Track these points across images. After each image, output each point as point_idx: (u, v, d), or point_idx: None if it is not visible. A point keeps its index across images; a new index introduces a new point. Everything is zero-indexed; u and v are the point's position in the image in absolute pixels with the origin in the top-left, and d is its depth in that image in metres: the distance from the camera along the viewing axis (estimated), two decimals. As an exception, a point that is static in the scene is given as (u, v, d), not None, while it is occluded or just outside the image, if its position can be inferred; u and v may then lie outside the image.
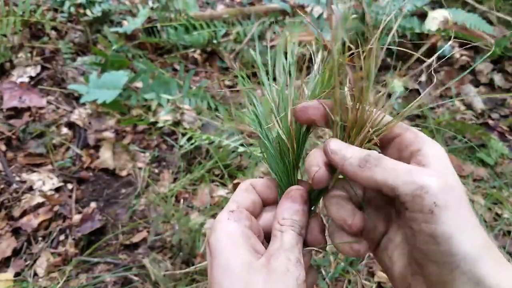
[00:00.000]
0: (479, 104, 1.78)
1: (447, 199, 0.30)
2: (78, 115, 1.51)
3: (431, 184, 0.30)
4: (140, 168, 1.38)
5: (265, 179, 0.40)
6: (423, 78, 1.89)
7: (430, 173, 0.31)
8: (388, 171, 0.31)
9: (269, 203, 0.40)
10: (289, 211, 0.36)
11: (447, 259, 0.30)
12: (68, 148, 1.41)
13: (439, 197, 0.30)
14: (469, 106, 1.79)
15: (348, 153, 0.34)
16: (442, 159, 0.33)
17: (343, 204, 0.36)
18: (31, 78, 1.60)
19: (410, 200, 0.30)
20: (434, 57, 0.36)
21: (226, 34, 1.92)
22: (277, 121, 0.39)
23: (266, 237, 0.38)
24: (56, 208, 1.24)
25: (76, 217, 1.22)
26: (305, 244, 0.37)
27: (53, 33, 1.79)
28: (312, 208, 0.39)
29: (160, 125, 1.45)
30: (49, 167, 1.35)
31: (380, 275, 1.13)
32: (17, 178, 1.30)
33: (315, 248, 0.37)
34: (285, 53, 0.41)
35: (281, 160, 0.40)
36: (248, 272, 0.32)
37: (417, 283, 0.33)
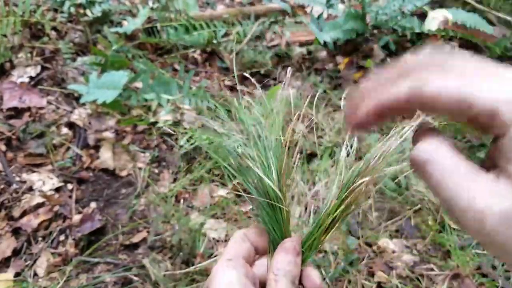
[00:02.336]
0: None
1: None
2: (78, 115, 1.51)
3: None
4: (140, 168, 1.38)
5: (257, 228, 0.41)
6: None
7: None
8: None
9: (261, 251, 0.41)
10: (283, 262, 0.38)
11: None
12: (68, 148, 1.41)
13: None
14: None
15: None
16: None
17: None
18: (31, 78, 1.60)
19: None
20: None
21: (226, 34, 1.92)
22: (263, 166, 0.38)
23: (261, 286, 0.40)
24: (56, 208, 1.24)
25: (76, 217, 1.22)
26: None
27: (53, 33, 1.79)
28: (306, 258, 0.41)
29: (160, 125, 1.45)
30: (49, 167, 1.35)
31: (380, 275, 1.13)
32: (17, 178, 1.30)
33: None
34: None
35: (273, 211, 0.40)
36: None
37: None
